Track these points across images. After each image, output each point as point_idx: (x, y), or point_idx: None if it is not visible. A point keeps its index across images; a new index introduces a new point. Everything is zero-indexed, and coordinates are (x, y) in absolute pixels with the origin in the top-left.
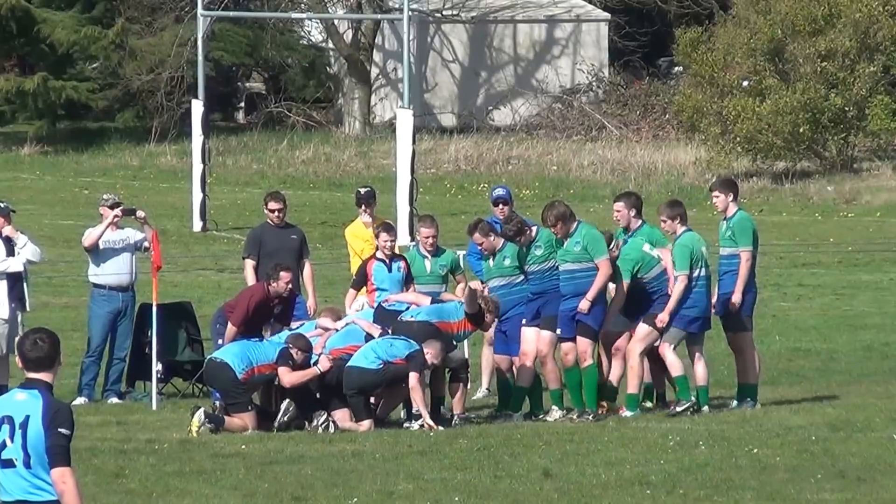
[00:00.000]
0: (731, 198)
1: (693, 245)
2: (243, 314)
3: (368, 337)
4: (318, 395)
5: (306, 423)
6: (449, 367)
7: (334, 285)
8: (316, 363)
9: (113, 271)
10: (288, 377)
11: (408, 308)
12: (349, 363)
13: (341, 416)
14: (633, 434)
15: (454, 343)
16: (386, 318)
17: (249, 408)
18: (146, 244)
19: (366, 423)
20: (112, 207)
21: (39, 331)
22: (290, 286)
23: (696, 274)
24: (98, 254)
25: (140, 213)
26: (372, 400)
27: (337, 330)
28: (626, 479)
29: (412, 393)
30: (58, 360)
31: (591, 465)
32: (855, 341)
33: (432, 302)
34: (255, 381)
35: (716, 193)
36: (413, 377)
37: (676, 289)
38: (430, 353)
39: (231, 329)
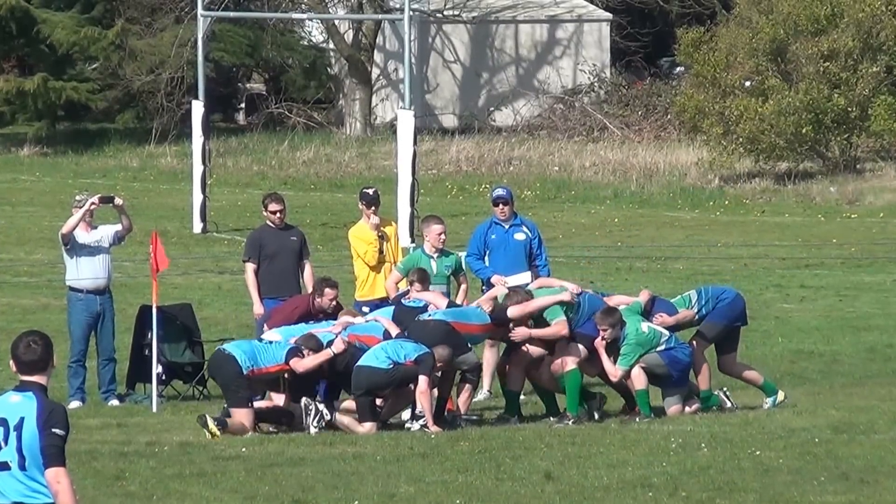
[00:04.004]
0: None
1: (640, 343)
2: (285, 320)
3: (387, 334)
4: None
5: (304, 417)
6: (461, 369)
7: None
8: (331, 343)
9: (89, 274)
10: (301, 363)
11: (426, 306)
12: (359, 363)
13: (345, 407)
14: (635, 436)
15: (468, 346)
16: (404, 313)
17: (248, 405)
18: (123, 232)
19: (367, 426)
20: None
21: (33, 333)
22: (334, 302)
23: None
24: (73, 250)
25: (118, 201)
26: (378, 402)
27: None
28: (627, 482)
29: (420, 396)
30: (51, 362)
31: (593, 468)
32: (858, 343)
33: (449, 304)
34: (257, 380)
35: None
36: (423, 380)
37: (611, 370)
38: (440, 362)
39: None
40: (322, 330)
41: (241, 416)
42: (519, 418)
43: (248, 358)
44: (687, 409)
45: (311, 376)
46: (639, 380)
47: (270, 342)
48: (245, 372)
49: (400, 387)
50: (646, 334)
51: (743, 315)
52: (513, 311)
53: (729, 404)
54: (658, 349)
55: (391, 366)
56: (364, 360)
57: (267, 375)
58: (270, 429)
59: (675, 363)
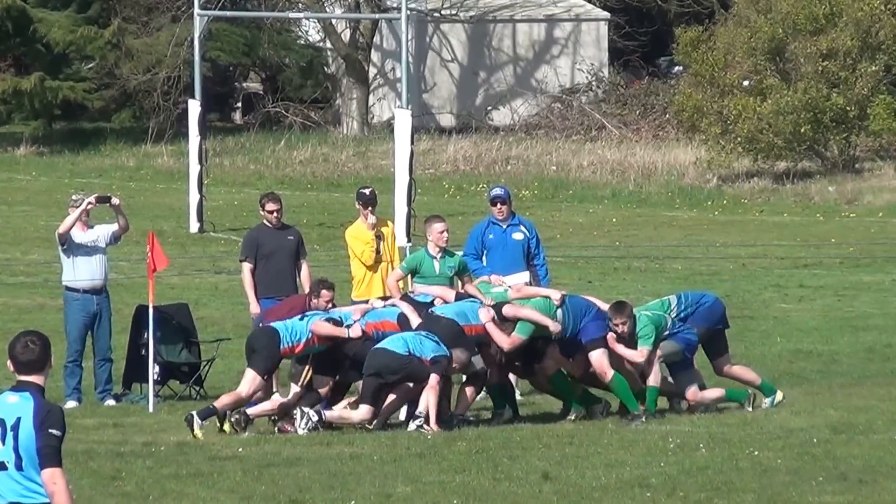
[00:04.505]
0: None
1: (653, 322)
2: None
3: (401, 317)
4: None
5: (296, 418)
6: (468, 372)
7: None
8: (349, 326)
9: (86, 275)
10: (319, 326)
11: (433, 301)
12: (377, 345)
13: (339, 404)
14: (633, 436)
15: (476, 349)
16: (413, 307)
17: (264, 377)
18: (119, 232)
19: (364, 409)
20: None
21: (31, 333)
22: (330, 304)
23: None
24: (70, 250)
25: (115, 200)
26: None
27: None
28: (625, 482)
29: (428, 392)
30: (49, 362)
31: (591, 468)
32: (857, 343)
33: (457, 296)
34: (287, 358)
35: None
36: (434, 378)
37: (635, 354)
38: (457, 365)
39: None
40: (345, 309)
41: (252, 380)
42: (515, 414)
43: (289, 335)
44: (708, 394)
45: (334, 359)
46: (655, 376)
47: (316, 313)
48: (282, 348)
49: (408, 379)
50: (654, 317)
51: (724, 318)
52: (507, 311)
53: (750, 408)
54: (672, 333)
55: (407, 354)
56: (383, 343)
57: (295, 355)
58: (274, 418)
59: (689, 345)
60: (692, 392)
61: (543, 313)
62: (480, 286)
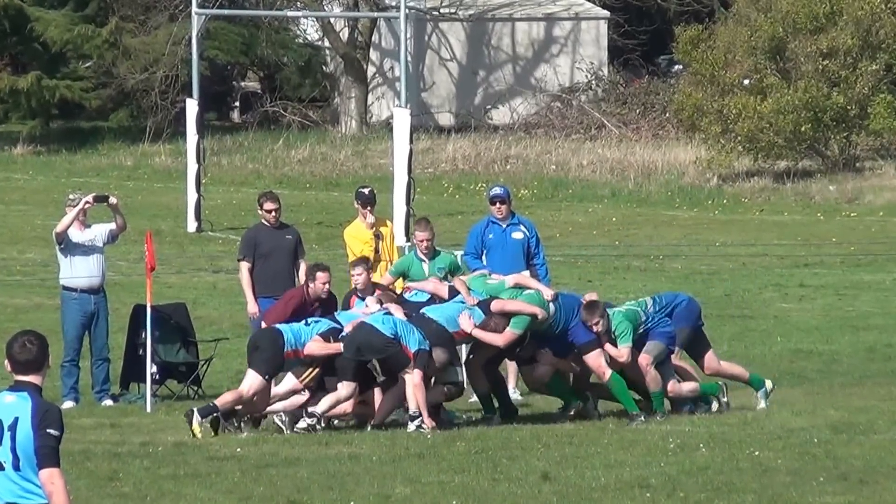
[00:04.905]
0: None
1: (628, 318)
2: (280, 316)
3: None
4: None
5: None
6: (444, 382)
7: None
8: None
9: (84, 273)
10: (313, 345)
11: (430, 298)
12: (363, 320)
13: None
14: (633, 437)
15: (460, 361)
16: (408, 309)
17: (265, 377)
18: (117, 231)
19: (345, 386)
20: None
21: (28, 333)
22: (326, 286)
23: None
24: (67, 249)
25: (112, 200)
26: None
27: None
28: (625, 482)
29: (414, 390)
30: (46, 362)
31: (591, 468)
32: (857, 342)
33: (450, 290)
34: (291, 363)
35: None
36: (417, 374)
37: (617, 353)
38: (436, 363)
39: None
40: (346, 312)
41: (253, 382)
42: (505, 413)
43: (294, 338)
44: (685, 386)
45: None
46: (655, 382)
47: (318, 320)
48: (285, 351)
49: (387, 362)
50: (627, 312)
51: (700, 316)
52: (494, 306)
53: (725, 398)
54: (649, 327)
55: (393, 337)
56: (370, 320)
57: (299, 360)
58: (278, 418)
59: (669, 338)
60: (671, 385)
61: (534, 304)
62: (476, 280)
